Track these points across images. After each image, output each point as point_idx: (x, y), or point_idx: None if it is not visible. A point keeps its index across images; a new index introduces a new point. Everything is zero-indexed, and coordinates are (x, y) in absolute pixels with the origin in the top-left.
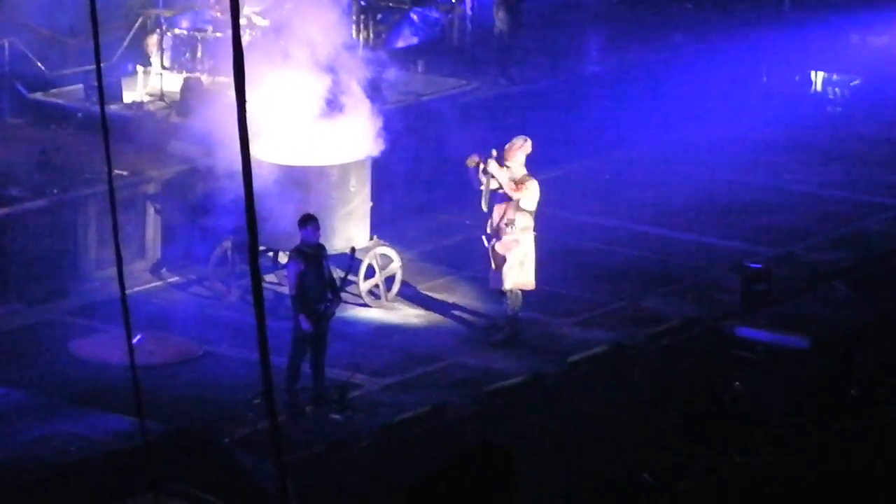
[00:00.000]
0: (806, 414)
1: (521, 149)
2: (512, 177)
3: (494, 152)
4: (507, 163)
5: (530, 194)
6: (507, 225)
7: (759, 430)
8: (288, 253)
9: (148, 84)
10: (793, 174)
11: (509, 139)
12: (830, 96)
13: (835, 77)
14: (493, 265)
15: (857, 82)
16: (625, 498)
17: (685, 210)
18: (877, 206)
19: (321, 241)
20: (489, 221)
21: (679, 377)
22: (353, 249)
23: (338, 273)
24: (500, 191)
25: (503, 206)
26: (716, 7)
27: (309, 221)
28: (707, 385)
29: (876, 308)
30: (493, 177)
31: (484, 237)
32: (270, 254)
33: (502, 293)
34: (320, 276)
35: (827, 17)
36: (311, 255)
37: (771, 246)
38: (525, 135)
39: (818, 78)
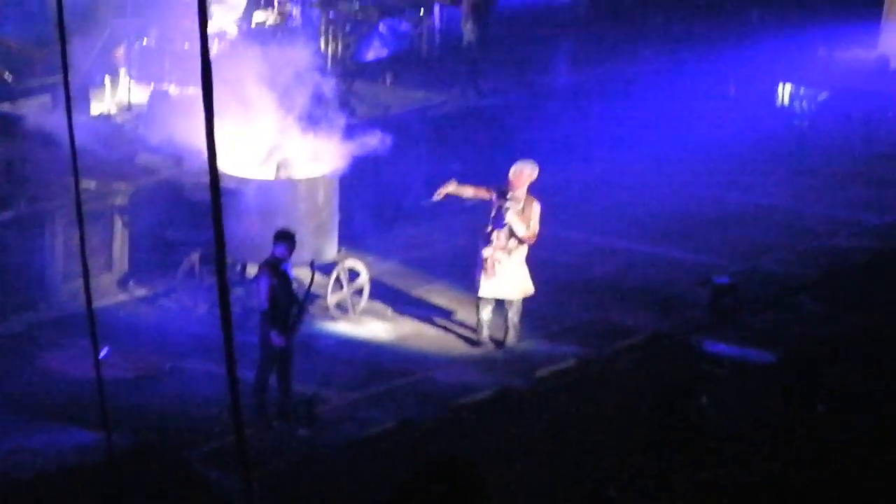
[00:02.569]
0: (772, 429)
1: (529, 177)
2: (518, 206)
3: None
4: (515, 192)
5: (536, 220)
6: (517, 244)
7: (725, 445)
8: (258, 266)
9: (116, 95)
10: (760, 188)
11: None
12: (798, 110)
13: (802, 91)
14: (491, 276)
15: (824, 96)
16: None
17: (653, 223)
18: (844, 221)
19: None
20: (495, 237)
21: (646, 391)
22: (312, 262)
23: (301, 287)
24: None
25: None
26: (684, 21)
27: (286, 238)
28: (674, 400)
29: (843, 323)
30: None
31: (487, 252)
32: (238, 267)
33: (496, 302)
34: (289, 290)
35: (794, 32)
36: (281, 270)
37: (738, 260)
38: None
39: (786, 92)
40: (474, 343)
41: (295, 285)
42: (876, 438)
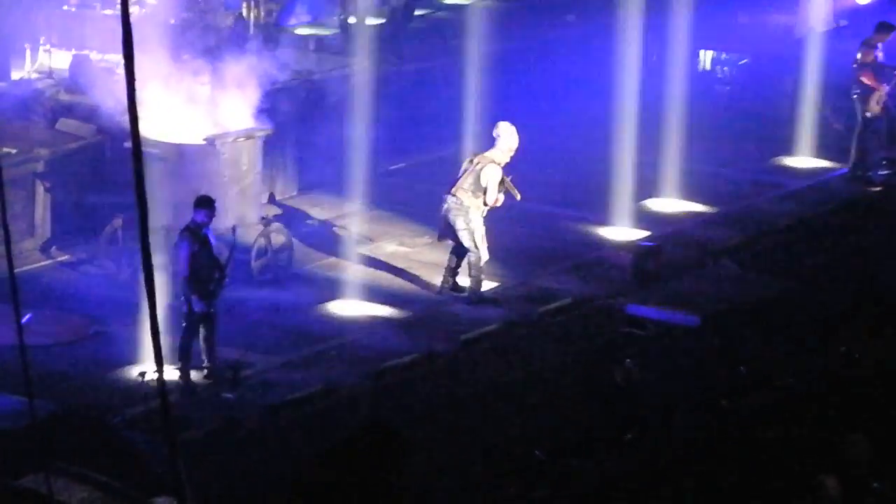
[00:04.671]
0: (695, 391)
1: None
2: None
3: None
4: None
5: None
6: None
7: (649, 407)
8: (179, 233)
9: (36, 61)
10: (682, 152)
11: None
12: (719, 75)
13: (723, 56)
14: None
15: (745, 61)
16: (517, 476)
17: (576, 188)
18: (765, 185)
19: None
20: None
21: (571, 355)
22: (234, 228)
23: (223, 252)
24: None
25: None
26: None
27: (206, 204)
28: (598, 363)
29: (765, 286)
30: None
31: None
32: (162, 232)
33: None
34: (211, 255)
35: None
36: (202, 235)
37: (661, 224)
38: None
39: (707, 57)
40: (468, 300)
41: (225, 250)
42: (796, 399)
